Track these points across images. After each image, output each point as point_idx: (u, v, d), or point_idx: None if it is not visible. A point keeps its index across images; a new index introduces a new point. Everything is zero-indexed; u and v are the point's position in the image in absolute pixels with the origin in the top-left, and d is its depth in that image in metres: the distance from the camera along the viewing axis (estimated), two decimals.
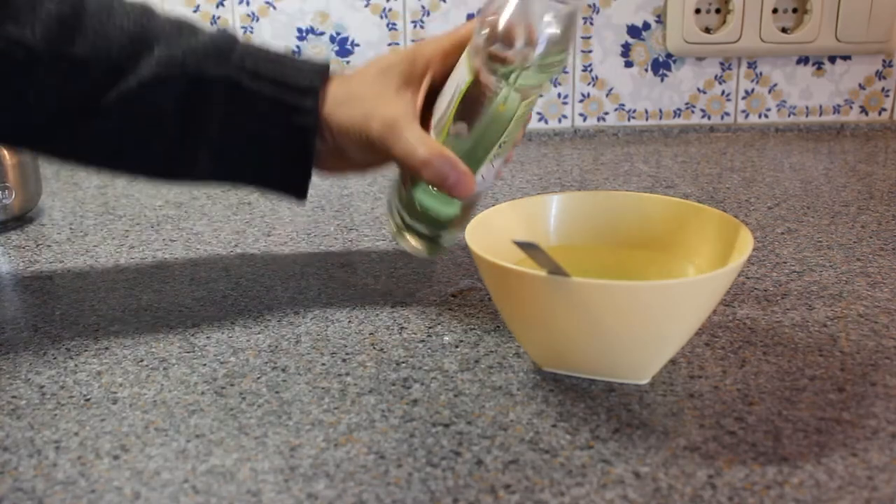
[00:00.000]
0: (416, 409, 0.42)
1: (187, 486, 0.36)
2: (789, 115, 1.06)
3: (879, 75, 1.05)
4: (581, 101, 1.05)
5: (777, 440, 0.38)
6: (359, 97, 0.52)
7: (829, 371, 0.44)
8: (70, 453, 0.39)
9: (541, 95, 0.48)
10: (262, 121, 0.53)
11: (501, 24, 0.46)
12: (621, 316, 0.39)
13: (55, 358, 0.48)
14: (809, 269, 0.59)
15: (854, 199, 0.75)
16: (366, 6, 1.00)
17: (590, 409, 0.41)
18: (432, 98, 0.53)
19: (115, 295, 0.57)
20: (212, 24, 0.98)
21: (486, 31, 0.47)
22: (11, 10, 0.49)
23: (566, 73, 1.03)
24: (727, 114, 1.06)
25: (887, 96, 1.06)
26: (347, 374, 0.45)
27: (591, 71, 1.04)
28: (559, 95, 1.04)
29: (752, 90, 1.05)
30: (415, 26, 1.01)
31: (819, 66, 1.05)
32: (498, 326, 0.51)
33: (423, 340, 0.49)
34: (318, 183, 0.83)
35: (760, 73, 1.05)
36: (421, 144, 0.50)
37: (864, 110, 1.07)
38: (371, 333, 0.50)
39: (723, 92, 1.05)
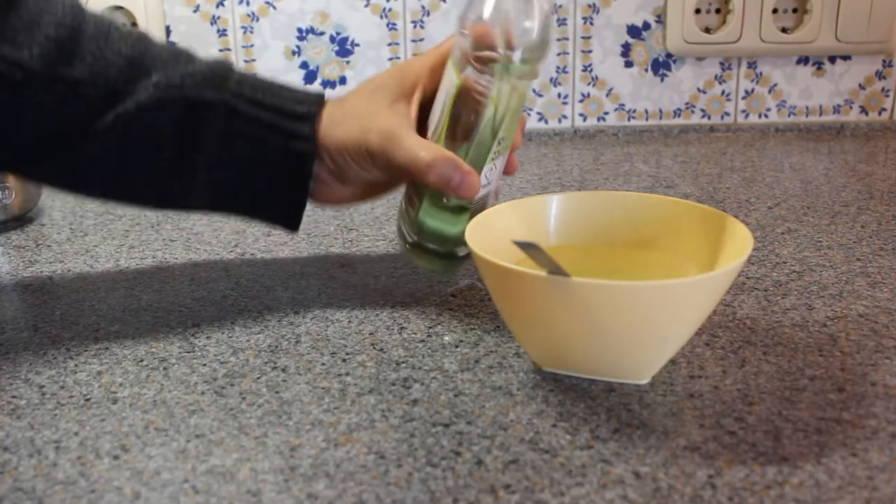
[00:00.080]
0: (416, 409, 0.42)
1: (187, 486, 0.36)
2: (789, 115, 1.06)
3: (879, 75, 1.05)
4: (581, 101, 1.05)
5: (777, 440, 0.38)
6: (354, 115, 0.53)
7: (829, 371, 0.44)
8: (70, 453, 0.39)
9: (531, 89, 0.50)
10: (259, 146, 0.53)
11: (483, 28, 0.48)
12: (621, 316, 0.39)
13: (55, 358, 0.48)
14: (809, 269, 0.59)
15: (854, 199, 0.76)
16: (366, 6, 1.00)
17: (590, 409, 0.41)
18: (425, 113, 0.53)
19: (115, 295, 0.57)
20: (211, 24, 0.99)
21: (469, 37, 0.48)
22: (9, 33, 0.49)
23: (566, 73, 1.03)
24: (727, 114, 1.06)
25: (887, 96, 1.06)
26: (347, 374, 0.46)
27: (591, 71, 1.04)
28: (559, 95, 1.04)
29: (752, 90, 1.05)
30: (415, 26, 1.01)
31: (819, 66, 1.05)
32: (498, 326, 0.51)
33: (423, 340, 0.49)
34: None
35: (760, 73, 1.05)
36: (422, 149, 0.50)
37: (864, 110, 1.07)
38: (371, 333, 0.50)
39: (723, 92, 1.05)
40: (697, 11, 1.01)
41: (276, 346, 0.49)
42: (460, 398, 0.43)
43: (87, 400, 0.44)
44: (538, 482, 0.36)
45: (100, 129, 0.50)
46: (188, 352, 0.49)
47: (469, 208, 0.53)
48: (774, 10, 1.00)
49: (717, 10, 1.01)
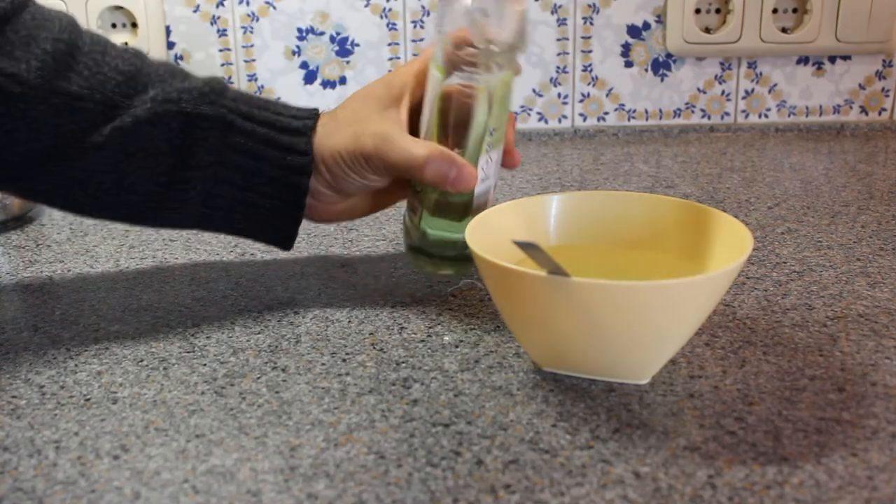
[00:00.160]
0: (416, 409, 0.42)
1: (187, 486, 0.36)
2: (789, 115, 1.06)
3: (879, 75, 1.05)
4: (581, 101, 1.05)
5: (777, 440, 0.38)
6: (347, 123, 0.54)
7: (829, 371, 0.44)
8: (70, 453, 0.39)
9: (515, 77, 0.53)
10: (256, 161, 0.53)
11: (461, 25, 0.50)
12: (621, 316, 0.39)
13: (55, 358, 0.48)
14: (809, 269, 0.59)
15: (854, 199, 0.76)
16: (366, 6, 1.00)
17: (590, 409, 0.41)
18: (415, 118, 0.54)
19: (115, 295, 0.57)
20: (211, 24, 0.99)
21: (448, 34, 0.50)
22: (6, 47, 0.49)
23: (566, 73, 1.03)
24: (727, 114, 1.06)
25: (887, 96, 1.06)
26: (347, 374, 0.46)
27: (591, 71, 1.04)
28: (559, 95, 1.04)
29: (752, 90, 1.05)
30: (415, 26, 1.01)
31: (819, 66, 1.05)
32: (498, 326, 0.51)
33: (423, 340, 0.49)
34: None
35: (760, 73, 1.05)
36: (417, 146, 0.51)
37: (864, 110, 1.07)
38: (371, 333, 0.50)
39: (723, 92, 1.05)
40: (697, 11, 1.01)
41: (276, 346, 0.49)
42: (460, 398, 0.43)
43: (87, 400, 0.44)
44: (538, 482, 0.36)
45: (96, 143, 0.50)
46: (188, 352, 0.49)
47: (471, 206, 0.53)
48: (774, 10, 1.00)
49: (717, 10, 1.01)
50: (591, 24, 1.02)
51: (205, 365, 0.47)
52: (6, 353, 0.49)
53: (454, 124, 0.52)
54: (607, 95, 1.05)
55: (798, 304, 0.53)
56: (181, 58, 0.99)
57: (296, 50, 1.01)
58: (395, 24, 1.01)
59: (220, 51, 1.00)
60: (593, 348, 0.42)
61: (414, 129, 0.54)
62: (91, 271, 0.62)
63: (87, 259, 0.65)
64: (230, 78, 1.00)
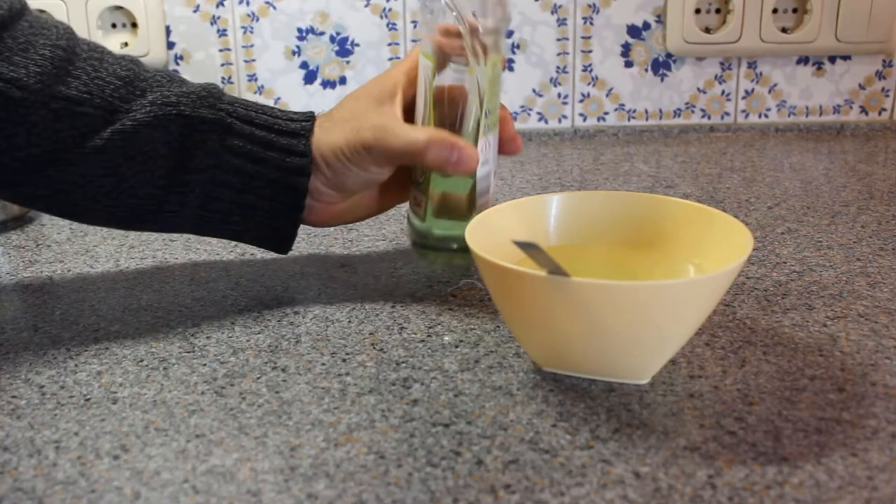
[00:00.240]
0: (416, 409, 0.42)
1: (187, 486, 0.36)
2: (789, 115, 1.06)
3: (879, 75, 1.05)
4: (581, 101, 1.05)
5: (777, 440, 0.38)
6: (344, 119, 0.55)
7: (829, 371, 0.44)
8: (70, 453, 0.39)
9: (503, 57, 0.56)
10: (255, 164, 0.54)
11: (448, 26, 0.52)
12: (621, 316, 0.39)
13: (55, 358, 0.48)
14: (809, 269, 0.59)
15: (854, 199, 0.76)
16: (366, 6, 1.00)
17: (590, 409, 0.41)
18: (408, 115, 0.55)
19: (115, 295, 0.57)
20: (211, 24, 0.99)
21: (434, 23, 0.52)
22: (5, 52, 0.49)
23: (566, 73, 1.03)
24: (727, 114, 1.06)
25: (887, 96, 1.06)
26: (347, 374, 0.46)
27: (591, 71, 1.04)
28: (559, 95, 1.04)
29: (752, 90, 1.05)
30: (415, 26, 1.01)
31: (819, 66, 1.05)
32: (498, 326, 0.51)
33: (423, 340, 0.49)
34: None
35: (760, 73, 1.05)
36: (417, 131, 0.52)
37: (864, 110, 1.07)
38: (371, 333, 0.50)
39: (723, 92, 1.05)
40: (697, 11, 1.01)
41: (276, 346, 0.49)
42: (460, 398, 0.43)
43: (87, 400, 0.44)
44: (538, 482, 0.36)
45: (96, 146, 0.51)
46: (188, 352, 0.49)
47: (475, 191, 0.54)
48: (774, 10, 1.00)
49: (717, 10, 1.01)
50: (591, 24, 1.02)
51: (205, 365, 0.47)
52: (6, 353, 0.49)
53: (449, 111, 0.53)
54: (607, 95, 1.05)
55: (798, 304, 0.53)
56: (181, 58, 0.99)
57: (296, 50, 1.01)
58: (395, 24, 1.01)
59: (220, 51, 1.00)
60: (593, 348, 0.42)
61: (409, 123, 0.55)
62: (91, 271, 0.62)
63: (87, 259, 0.65)
64: (230, 78, 1.00)
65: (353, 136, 0.53)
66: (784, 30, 1.01)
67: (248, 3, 0.99)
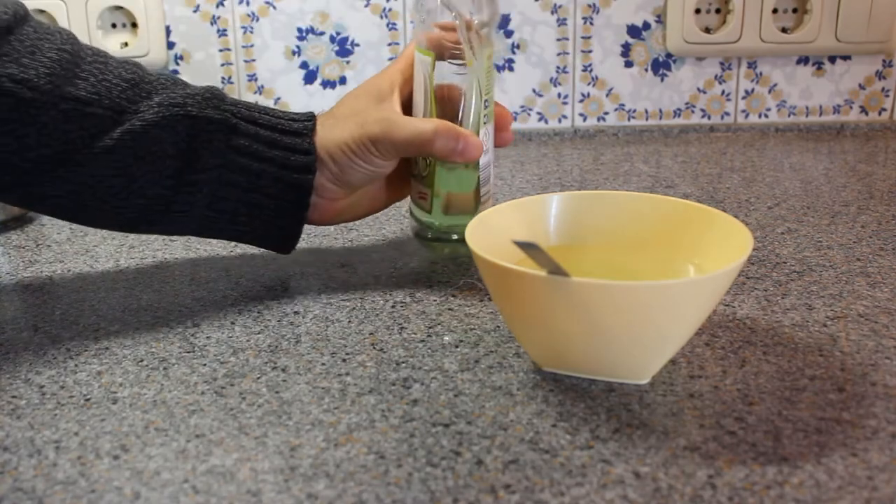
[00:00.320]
0: (416, 409, 0.42)
1: (187, 486, 0.36)
2: (789, 115, 1.06)
3: (879, 75, 1.05)
4: (581, 101, 1.05)
5: (777, 440, 0.38)
6: (346, 116, 0.56)
7: (829, 371, 0.44)
8: (70, 453, 0.39)
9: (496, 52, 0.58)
10: (260, 162, 0.54)
11: (444, 22, 0.54)
12: (621, 316, 0.39)
13: (55, 358, 0.48)
14: (809, 269, 0.59)
15: (854, 199, 0.76)
16: (366, 6, 1.00)
17: (590, 409, 0.41)
18: (406, 112, 0.57)
19: (115, 295, 0.57)
20: (211, 24, 0.99)
21: (429, 22, 0.55)
22: (13, 55, 0.50)
23: (566, 73, 1.03)
24: (727, 114, 1.06)
25: (887, 96, 1.06)
26: (347, 374, 0.46)
27: (591, 71, 1.04)
28: (559, 95, 1.04)
29: (752, 90, 1.05)
30: (414, 26, 1.01)
31: (819, 66, 1.05)
32: (498, 326, 0.51)
33: (423, 340, 0.49)
34: None
35: (760, 73, 1.05)
36: (424, 122, 0.54)
37: (864, 110, 1.07)
38: (371, 333, 0.50)
39: (723, 92, 1.05)
40: (697, 11, 1.01)
41: (276, 346, 0.49)
42: (460, 398, 0.43)
43: (87, 400, 0.44)
44: (538, 482, 0.36)
45: (106, 147, 0.51)
46: (188, 352, 0.49)
47: (479, 182, 0.57)
48: (774, 10, 1.00)
49: (717, 10, 1.01)
50: (591, 24, 1.02)
51: (205, 365, 0.47)
52: (6, 353, 0.49)
53: (450, 105, 0.56)
54: (607, 95, 1.05)
55: (798, 304, 0.53)
56: (181, 58, 0.99)
57: (296, 50, 1.01)
58: (395, 24, 1.01)
59: (220, 51, 1.00)
60: (593, 348, 0.42)
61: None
62: (91, 271, 0.62)
63: (87, 259, 0.65)
64: (230, 78, 1.00)
65: (358, 131, 0.54)
66: (784, 30, 1.01)
67: (248, 3, 0.99)
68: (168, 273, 0.61)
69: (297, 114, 0.57)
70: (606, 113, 1.05)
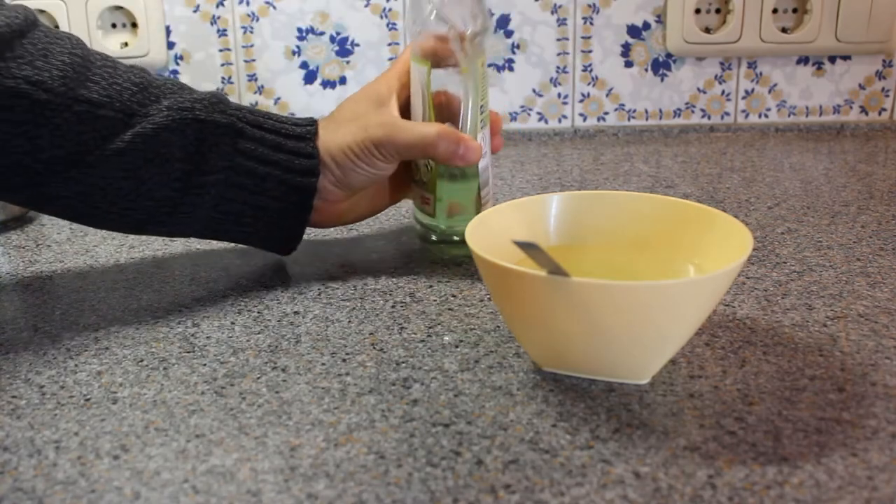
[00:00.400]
0: (416, 409, 0.42)
1: (187, 486, 0.36)
2: (789, 115, 1.06)
3: (879, 75, 1.05)
4: (581, 101, 1.05)
5: (777, 440, 0.38)
6: (347, 120, 0.58)
7: (829, 371, 0.44)
8: (70, 453, 0.39)
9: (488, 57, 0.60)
10: (266, 165, 0.55)
11: (438, 33, 0.56)
12: (621, 316, 0.39)
13: (55, 358, 0.48)
14: (809, 269, 0.59)
15: (854, 199, 0.76)
16: (366, 6, 1.00)
17: (590, 409, 0.41)
18: (404, 116, 0.58)
19: (115, 295, 0.57)
20: (211, 24, 0.98)
21: (424, 32, 0.56)
22: (27, 57, 0.51)
23: (566, 73, 1.03)
24: (727, 114, 1.06)
25: (887, 96, 1.06)
26: (347, 374, 0.46)
27: (591, 71, 1.04)
28: (559, 95, 1.04)
29: (752, 90, 1.05)
30: None
31: (819, 66, 1.05)
32: (498, 326, 0.51)
33: (423, 340, 0.49)
34: None
35: (760, 73, 1.05)
36: (426, 126, 0.56)
37: (864, 110, 1.07)
38: (371, 333, 0.50)
39: (723, 92, 1.05)
40: (697, 11, 1.01)
41: (276, 346, 0.49)
42: (460, 398, 0.43)
43: (87, 400, 0.44)
44: (538, 482, 0.36)
45: (118, 148, 0.52)
46: (188, 352, 0.49)
47: (479, 184, 0.59)
48: (774, 10, 1.00)
49: (717, 10, 1.01)
50: (591, 24, 1.02)
51: (205, 365, 0.47)
52: (6, 353, 0.49)
53: (448, 112, 0.57)
54: (607, 95, 1.05)
55: (798, 304, 0.53)
56: (181, 58, 0.99)
57: (296, 50, 1.01)
58: (395, 24, 1.01)
59: (220, 51, 1.00)
60: (593, 348, 0.42)
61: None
62: (91, 271, 0.62)
63: (87, 259, 0.65)
64: (230, 78, 1.00)
65: (361, 134, 0.56)
66: (784, 30, 1.01)
67: (248, 3, 0.98)
68: (168, 273, 0.61)
69: (298, 118, 0.58)
70: (606, 113, 1.05)
